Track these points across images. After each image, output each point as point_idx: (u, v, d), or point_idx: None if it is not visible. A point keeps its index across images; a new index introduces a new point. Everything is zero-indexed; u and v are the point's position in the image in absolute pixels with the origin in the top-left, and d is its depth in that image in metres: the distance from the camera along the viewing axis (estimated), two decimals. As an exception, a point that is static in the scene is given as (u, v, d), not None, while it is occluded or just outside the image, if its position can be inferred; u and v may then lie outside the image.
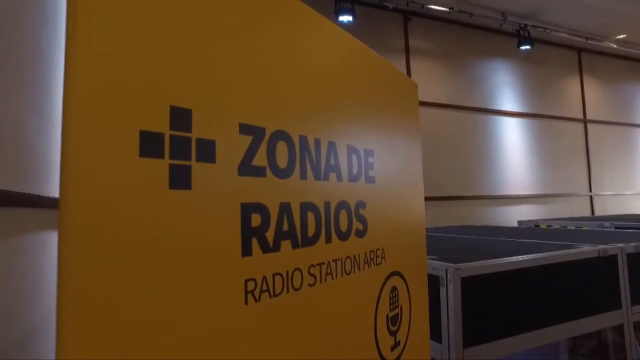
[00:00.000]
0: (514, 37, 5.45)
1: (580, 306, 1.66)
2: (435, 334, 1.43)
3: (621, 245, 1.83)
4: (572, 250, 1.73)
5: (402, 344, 0.69)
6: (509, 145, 5.52)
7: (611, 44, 6.08)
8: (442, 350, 1.41)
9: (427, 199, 4.46)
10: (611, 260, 1.78)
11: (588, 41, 5.86)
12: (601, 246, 1.79)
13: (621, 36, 5.97)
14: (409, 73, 4.96)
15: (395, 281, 0.68)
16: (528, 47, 5.38)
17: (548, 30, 5.49)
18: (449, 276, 1.38)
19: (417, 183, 0.82)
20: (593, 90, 6.50)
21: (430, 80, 5.09)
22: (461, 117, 5.22)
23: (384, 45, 4.86)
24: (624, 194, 6.41)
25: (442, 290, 1.41)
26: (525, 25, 5.31)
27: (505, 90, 5.64)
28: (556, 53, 6.11)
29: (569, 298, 1.65)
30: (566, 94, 6.24)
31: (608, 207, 6.14)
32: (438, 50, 5.17)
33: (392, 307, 0.68)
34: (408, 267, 0.73)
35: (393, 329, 0.68)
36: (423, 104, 4.98)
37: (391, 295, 0.68)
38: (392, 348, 0.67)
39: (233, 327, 0.43)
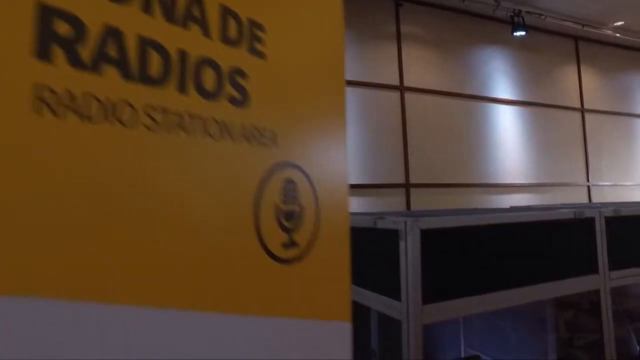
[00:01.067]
0: (508, 24, 5.37)
1: (553, 269, 1.59)
2: (395, 292, 1.36)
3: (600, 208, 1.76)
4: (546, 212, 1.66)
5: (301, 247, 0.63)
6: (504, 133, 5.43)
7: (608, 32, 5.99)
8: (400, 308, 1.34)
9: (418, 185, 4.44)
10: (588, 223, 1.70)
11: (585, 28, 5.77)
12: (578, 209, 1.72)
13: (618, 23, 5.87)
14: (400, 60, 4.90)
15: (293, 175, 0.62)
16: (522, 32, 5.30)
17: (543, 17, 5.41)
18: (407, 228, 1.32)
19: (335, 69, 0.74)
20: (591, 79, 6.40)
21: (422, 67, 5.03)
22: (454, 104, 5.14)
23: (374, 31, 4.81)
24: (622, 185, 6.29)
25: (401, 244, 1.34)
26: (520, 11, 5.24)
27: (500, 78, 5.56)
28: (552, 41, 6.02)
29: (541, 260, 1.57)
30: (563, 83, 6.14)
31: (606, 197, 6.03)
32: (430, 36, 5.10)
33: (286, 200, 0.61)
34: (318, 172, 0.67)
35: (287, 224, 0.61)
36: (415, 90, 4.92)
37: (285, 187, 0.61)
38: (285, 246, 0.61)
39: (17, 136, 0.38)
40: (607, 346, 1.69)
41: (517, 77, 5.71)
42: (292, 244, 0.62)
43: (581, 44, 6.28)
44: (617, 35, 6.12)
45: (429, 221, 1.35)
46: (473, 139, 5.20)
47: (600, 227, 1.71)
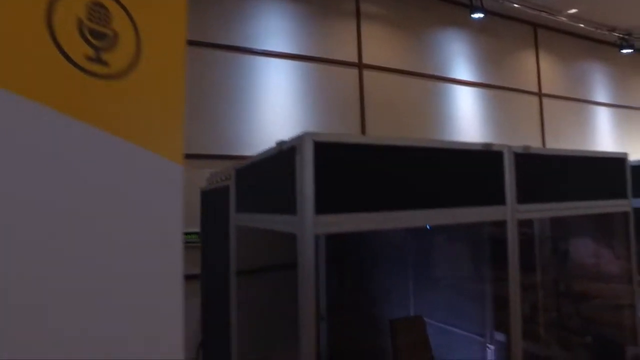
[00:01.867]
0: (468, 7, 5.48)
1: (458, 196, 1.63)
2: (292, 207, 1.38)
3: (508, 144, 1.81)
4: (454, 141, 1.69)
5: (113, 68, 0.65)
6: (462, 114, 5.54)
7: (564, 19, 6.17)
8: (295, 221, 1.36)
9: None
10: (497, 157, 1.76)
11: (542, 14, 5.94)
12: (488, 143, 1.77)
13: (572, 11, 6.06)
14: (359, 37, 4.94)
15: (104, 1, 0.63)
16: (480, 15, 5.41)
17: (500, 1, 5.54)
18: (303, 142, 1.33)
19: None
20: (549, 65, 6.58)
21: (381, 45, 5.08)
22: (413, 83, 5.21)
23: (334, 9, 4.84)
24: (578, 168, 6.49)
25: (297, 158, 1.36)
26: (477, -7, 5.36)
27: (460, 60, 5.66)
28: (511, 26, 6.17)
29: (446, 187, 1.61)
30: (522, 68, 6.30)
31: (562, 179, 6.21)
32: (390, 15, 5.16)
33: (92, 18, 0.62)
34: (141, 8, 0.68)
35: (95, 42, 0.62)
36: (374, 68, 4.97)
37: (92, 8, 0.62)
38: (91, 59, 0.62)
39: None
40: (512, 282, 1.75)
41: (477, 59, 5.83)
42: (99, 60, 0.64)
43: (539, 30, 6.46)
44: (572, 23, 6.32)
45: (325, 135, 1.37)
46: (431, 119, 5.28)
47: (508, 162, 1.76)
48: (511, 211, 1.74)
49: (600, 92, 7.35)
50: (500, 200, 1.73)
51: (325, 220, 1.33)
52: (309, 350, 1.35)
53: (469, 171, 1.68)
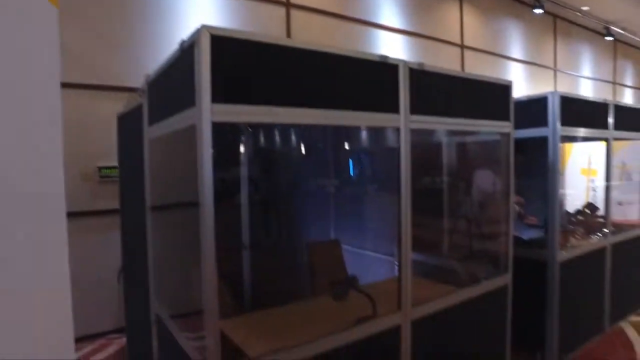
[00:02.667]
0: (396, -47, 5.55)
1: (354, 101, 1.78)
2: (191, 99, 1.44)
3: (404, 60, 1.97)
4: (353, 50, 1.81)
5: None
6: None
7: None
8: (193, 114, 1.43)
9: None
10: (393, 69, 1.92)
11: (465, -34, 6.17)
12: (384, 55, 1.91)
13: (494, -35, 6.37)
14: (287, -24, 4.85)
15: None
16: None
17: (428, -51, 5.67)
18: (201, 34, 1.38)
19: None
20: (471, 19, 6.92)
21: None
22: (340, 26, 5.27)
23: (262, -57, 4.68)
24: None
25: (196, 51, 1.41)
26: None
27: (386, 5, 5.77)
28: (438, -23, 6.36)
29: (343, 91, 1.75)
30: (447, 19, 6.57)
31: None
32: (319, -45, 5.10)
33: None
34: None
35: None
36: (302, 8, 4.94)
37: None
38: None
39: None
40: (404, 188, 1.96)
41: (404, 7, 5.98)
42: None
43: (463, -16, 6.73)
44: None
45: (222, 30, 1.43)
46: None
47: (403, 75, 1.93)
48: (404, 120, 1.93)
49: (516, 48, 7.90)
50: (394, 109, 1.91)
51: (222, 109, 1.41)
52: (211, 279, 1.45)
53: (367, 79, 1.83)
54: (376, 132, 3.66)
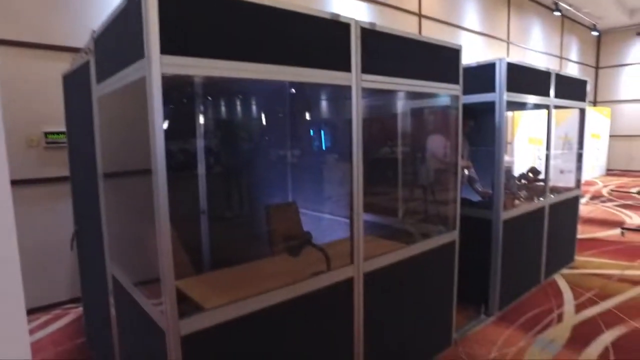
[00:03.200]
0: None
1: (306, 58, 1.80)
2: (141, 51, 1.41)
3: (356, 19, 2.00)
4: (306, 8, 1.82)
5: None
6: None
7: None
8: (143, 66, 1.41)
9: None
10: (345, 27, 1.94)
11: None
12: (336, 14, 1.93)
13: None
14: None
15: None
16: None
17: None
18: (146, -19, 1.34)
19: None
20: (429, -12, 6.99)
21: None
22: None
23: None
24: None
25: (143, 1, 1.37)
26: None
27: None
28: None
29: (295, 47, 1.76)
30: (404, -12, 6.60)
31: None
32: None
33: None
34: None
35: None
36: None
37: None
38: None
39: None
40: (356, 144, 2.02)
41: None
42: None
43: (422, -48, 6.74)
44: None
45: (170, -23, 1.39)
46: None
47: (355, 34, 1.96)
48: (356, 78, 1.98)
49: (472, 20, 8.07)
50: (346, 67, 1.95)
51: (171, 61, 1.40)
52: (165, 239, 1.45)
53: (319, 37, 1.85)
54: (336, 102, 3.73)
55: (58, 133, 3.52)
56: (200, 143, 3.55)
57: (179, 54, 1.41)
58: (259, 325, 1.76)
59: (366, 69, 2.02)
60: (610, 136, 12.89)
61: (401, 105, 3.76)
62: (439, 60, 2.52)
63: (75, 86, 2.52)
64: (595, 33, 12.76)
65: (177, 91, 3.60)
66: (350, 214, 2.05)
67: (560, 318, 3.29)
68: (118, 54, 1.75)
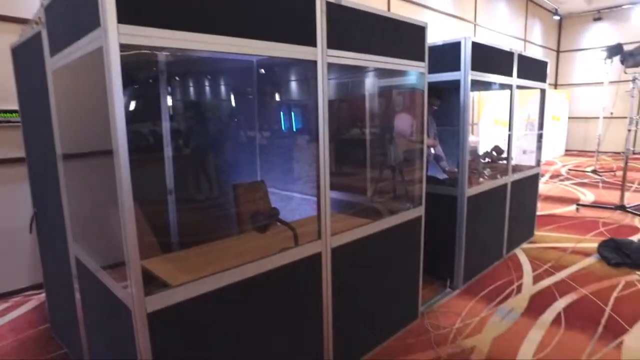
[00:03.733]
0: None
1: (270, 33, 1.77)
2: (97, 20, 1.35)
3: (323, -8, 1.97)
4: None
5: None
6: None
7: None
8: (99, 36, 1.34)
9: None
10: (309, 2, 1.92)
11: None
12: (303, -11, 1.90)
13: None
14: None
15: None
16: None
17: None
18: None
19: None
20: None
21: None
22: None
23: None
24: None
25: (95, -37, 1.30)
26: None
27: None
28: None
29: (258, 20, 1.73)
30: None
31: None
32: None
33: None
34: None
35: None
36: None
37: None
38: None
39: None
40: (322, 120, 2.02)
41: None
42: None
43: None
44: None
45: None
46: None
47: (320, 8, 1.94)
48: (321, 53, 1.96)
49: (440, 0, 8.13)
50: (312, 42, 1.93)
51: (129, 31, 1.34)
52: (129, 218, 1.42)
53: (284, 10, 1.82)
54: (307, 83, 3.69)
55: (10, 112, 3.33)
56: (166, 124, 3.48)
57: (137, 24, 1.35)
58: (227, 300, 1.77)
59: (332, 44, 2.01)
60: (569, 118, 13.44)
61: (370, 85, 3.78)
62: (405, 37, 2.53)
63: (27, 60, 2.38)
64: (556, 17, 13.14)
65: (142, 71, 3.50)
66: (317, 191, 2.06)
67: (519, 289, 3.46)
68: (72, 23, 1.66)
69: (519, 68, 3.88)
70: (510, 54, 3.77)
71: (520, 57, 3.88)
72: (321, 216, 2.09)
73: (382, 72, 3.43)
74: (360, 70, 3.53)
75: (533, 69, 4.21)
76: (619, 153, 13.04)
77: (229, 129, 4.07)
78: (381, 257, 2.59)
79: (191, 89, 4.04)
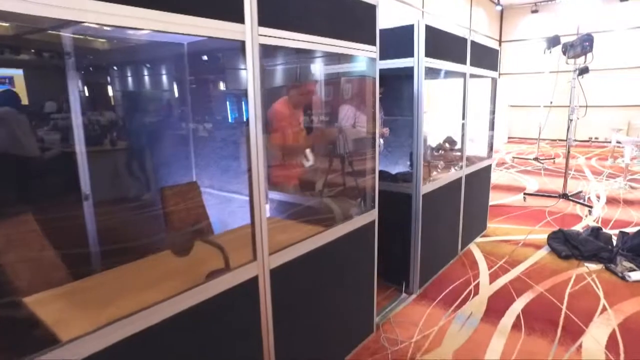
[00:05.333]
0: None
1: (185, 3, 1.35)
2: None
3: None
4: None
5: None
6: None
7: None
8: None
9: None
10: (235, -35, 1.51)
11: None
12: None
13: None
14: None
15: None
16: None
17: None
18: None
19: None
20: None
21: None
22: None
23: None
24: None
25: None
26: None
27: None
28: None
29: (164, -15, 1.30)
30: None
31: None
32: None
33: None
34: None
35: None
36: None
37: None
38: None
39: None
40: (253, 112, 1.64)
41: None
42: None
43: None
44: None
45: None
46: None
47: (249, -25, 1.54)
48: (251, 32, 1.56)
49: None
50: (238, 18, 1.52)
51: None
52: None
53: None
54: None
55: None
56: (77, 117, 2.93)
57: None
58: (137, 351, 1.35)
59: (265, 21, 1.61)
60: (510, 106, 13.88)
61: (320, 71, 3.44)
62: (353, 17, 2.19)
63: None
64: (499, 8, 13.44)
65: (42, 56, 2.95)
66: (250, 202, 1.68)
67: (476, 290, 3.29)
68: None
69: (472, 56, 3.67)
70: (463, 41, 3.55)
71: (474, 44, 3.68)
72: (256, 233, 1.71)
73: (332, 58, 3.10)
74: (311, 55, 3.19)
75: (485, 57, 4.04)
76: (555, 140, 13.69)
77: (158, 121, 3.56)
78: (331, 270, 2.27)
79: (112, 78, 3.49)
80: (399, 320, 2.85)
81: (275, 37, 1.67)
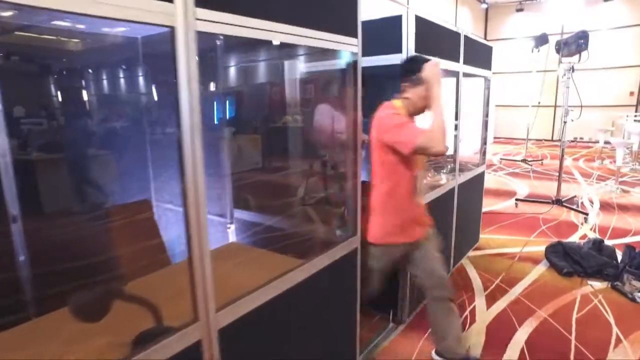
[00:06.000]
0: None
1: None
2: None
3: None
4: None
5: None
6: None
7: None
8: None
9: None
10: None
11: None
12: None
13: None
14: None
15: None
16: None
17: None
18: None
19: None
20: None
21: None
22: None
23: None
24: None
25: None
26: None
27: None
28: None
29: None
30: None
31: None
32: None
33: None
34: None
35: None
36: None
37: None
38: None
39: None
40: (187, 116, 1.21)
41: None
42: None
43: None
44: None
45: None
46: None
47: None
48: (184, 15, 1.13)
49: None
50: (164, -7, 1.09)
51: None
52: None
53: None
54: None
55: None
56: None
57: None
58: None
59: (205, 1, 1.19)
60: (496, 106, 13.68)
61: (298, 68, 3.05)
62: (330, 4, 1.77)
63: None
64: (484, 6, 13.22)
65: None
66: (186, 233, 1.24)
67: (473, 316, 2.91)
68: None
69: (466, 52, 3.30)
70: (456, 35, 3.18)
71: (467, 39, 3.30)
72: (197, 282, 1.28)
73: (311, 53, 2.72)
74: (293, 51, 2.81)
75: (478, 55, 3.68)
76: (540, 140, 13.55)
77: (107, 126, 3.09)
78: (304, 315, 1.85)
79: (47, 77, 3.01)
80: (386, 358, 2.46)
81: (219, 22, 1.24)
